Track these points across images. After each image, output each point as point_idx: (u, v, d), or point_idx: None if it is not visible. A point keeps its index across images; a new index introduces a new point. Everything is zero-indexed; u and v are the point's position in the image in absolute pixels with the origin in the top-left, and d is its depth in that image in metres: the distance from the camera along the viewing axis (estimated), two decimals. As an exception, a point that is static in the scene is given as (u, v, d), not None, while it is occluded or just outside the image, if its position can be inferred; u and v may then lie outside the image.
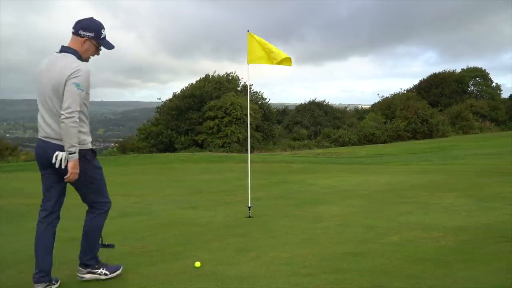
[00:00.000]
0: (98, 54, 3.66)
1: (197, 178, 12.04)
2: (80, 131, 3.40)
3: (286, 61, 6.71)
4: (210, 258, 4.20)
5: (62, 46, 3.53)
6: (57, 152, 3.40)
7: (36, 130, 3.55)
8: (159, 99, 35.90)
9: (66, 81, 3.32)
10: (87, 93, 3.48)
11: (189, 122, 32.58)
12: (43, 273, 3.44)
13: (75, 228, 5.96)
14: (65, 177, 3.39)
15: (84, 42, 3.51)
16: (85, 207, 3.77)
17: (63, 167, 3.37)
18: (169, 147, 31.80)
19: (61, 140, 3.36)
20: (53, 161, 3.39)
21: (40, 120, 3.48)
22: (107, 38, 3.65)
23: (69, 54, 3.46)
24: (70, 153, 3.33)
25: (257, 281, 3.52)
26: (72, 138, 3.30)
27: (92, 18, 3.59)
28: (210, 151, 27.54)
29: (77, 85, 3.32)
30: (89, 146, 3.54)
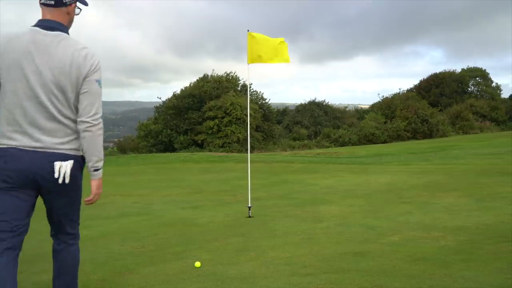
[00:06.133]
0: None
1: (197, 178, 12.03)
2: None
3: (283, 57, 6.70)
4: (210, 258, 4.19)
5: (46, 21, 2.55)
6: (59, 163, 2.51)
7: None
8: (159, 98, 35.92)
9: (85, 77, 2.53)
10: None
11: (189, 122, 32.62)
12: None
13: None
14: (86, 199, 2.63)
15: (73, 9, 2.64)
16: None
17: (67, 181, 2.53)
18: (169, 147, 31.82)
19: (58, 148, 2.52)
20: (56, 175, 2.50)
21: (21, 120, 2.47)
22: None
23: (65, 34, 2.57)
24: (95, 170, 2.60)
25: (257, 281, 3.52)
26: (100, 150, 2.59)
27: None
28: (210, 151, 27.56)
29: (99, 82, 2.59)
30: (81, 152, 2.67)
